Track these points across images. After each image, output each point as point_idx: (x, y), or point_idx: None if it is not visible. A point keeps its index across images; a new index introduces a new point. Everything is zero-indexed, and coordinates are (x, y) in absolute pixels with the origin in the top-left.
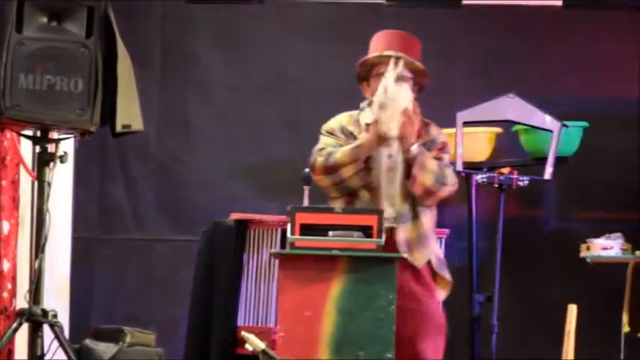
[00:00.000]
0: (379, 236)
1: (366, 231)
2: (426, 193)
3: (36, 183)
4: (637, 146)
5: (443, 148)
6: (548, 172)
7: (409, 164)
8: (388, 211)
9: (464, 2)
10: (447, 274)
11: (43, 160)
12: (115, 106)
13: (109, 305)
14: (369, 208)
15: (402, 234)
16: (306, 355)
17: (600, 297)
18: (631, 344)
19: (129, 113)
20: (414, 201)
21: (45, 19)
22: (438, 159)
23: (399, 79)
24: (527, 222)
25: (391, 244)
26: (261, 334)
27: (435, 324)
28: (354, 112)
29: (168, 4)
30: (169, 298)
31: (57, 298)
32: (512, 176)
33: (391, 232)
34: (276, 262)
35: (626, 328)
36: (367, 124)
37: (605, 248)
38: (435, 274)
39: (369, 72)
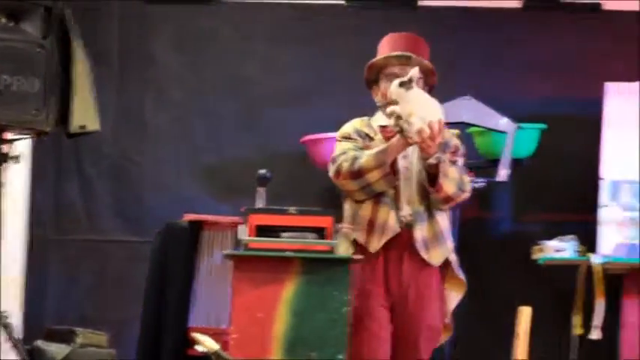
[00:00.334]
0: (333, 238)
1: (320, 233)
2: (446, 200)
3: None
4: (595, 148)
5: (456, 151)
6: (501, 175)
7: (431, 171)
8: (406, 210)
9: (420, 3)
10: (462, 275)
11: None
12: (71, 107)
13: (62, 306)
14: (323, 209)
15: (420, 233)
16: (259, 356)
17: (553, 299)
18: (583, 346)
19: (85, 114)
20: (429, 202)
21: (2, 19)
22: (453, 162)
23: (411, 81)
24: (482, 224)
25: (409, 243)
26: (214, 335)
27: (435, 325)
28: (365, 117)
29: (126, 4)
30: (122, 299)
31: (9, 299)
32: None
33: (409, 231)
34: (230, 263)
35: (578, 330)
36: (381, 127)
37: (558, 250)
38: (450, 275)
39: (378, 74)
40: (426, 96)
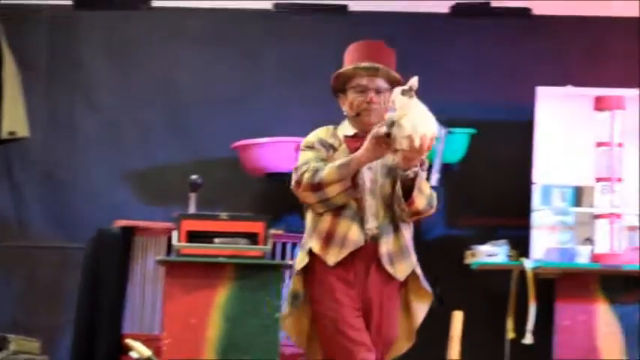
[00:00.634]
0: (265, 243)
1: (253, 238)
2: (415, 214)
3: None
4: (526, 153)
5: (422, 164)
6: (432, 179)
7: (406, 184)
8: (372, 222)
9: (351, 9)
10: (428, 287)
11: None
12: (1, 113)
13: None
14: (255, 215)
15: (385, 247)
16: None
17: (486, 303)
18: (515, 350)
19: (14, 120)
20: (394, 214)
21: None
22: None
23: (412, 89)
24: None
25: (374, 256)
26: (147, 341)
27: (394, 338)
28: (331, 127)
29: (56, 9)
30: (55, 306)
31: None
32: None
33: (374, 244)
34: (163, 269)
35: (510, 334)
36: (346, 137)
37: (490, 255)
38: (417, 287)
39: (345, 84)
40: (425, 109)
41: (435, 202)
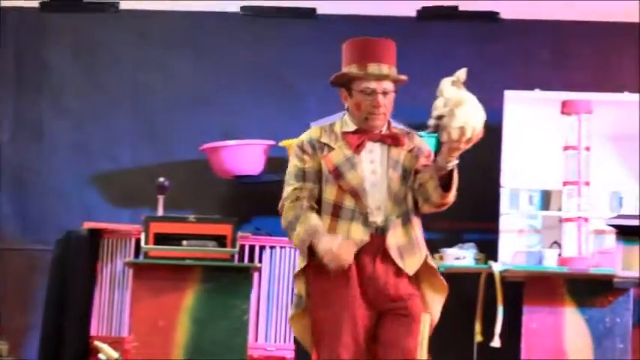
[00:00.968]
0: (233, 246)
1: (221, 241)
2: (441, 206)
3: None
4: (494, 156)
5: (429, 155)
6: None
7: (439, 175)
8: (377, 215)
9: (318, 12)
10: (442, 278)
11: None
12: None
13: None
14: (223, 217)
15: (394, 240)
16: None
17: (453, 306)
18: (483, 353)
19: None
20: (406, 207)
21: None
22: (427, 166)
23: (460, 81)
24: None
25: (381, 249)
26: (114, 343)
27: (418, 318)
28: (326, 124)
29: (23, 12)
30: (22, 308)
31: None
32: None
33: (380, 237)
34: (131, 271)
35: (478, 337)
36: (345, 133)
37: (458, 258)
38: (432, 279)
39: (350, 82)
40: (476, 102)
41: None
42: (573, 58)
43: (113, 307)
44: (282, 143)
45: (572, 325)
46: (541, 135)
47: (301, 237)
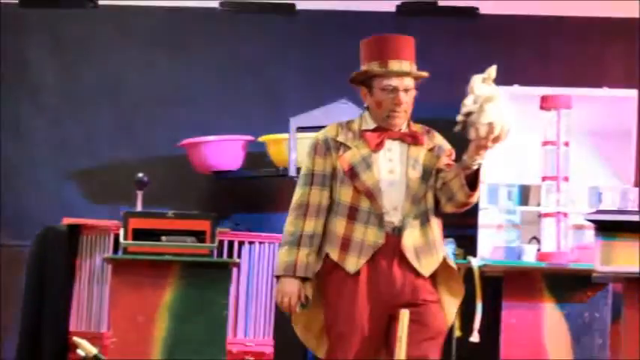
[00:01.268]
0: (212, 241)
1: (200, 236)
2: (465, 206)
3: None
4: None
5: (450, 154)
6: None
7: (465, 173)
8: (393, 215)
9: (298, 8)
10: (460, 282)
11: None
12: None
13: None
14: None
15: (410, 240)
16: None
17: None
18: (462, 348)
19: None
20: (425, 207)
21: None
22: (450, 165)
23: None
24: None
25: (397, 249)
26: (93, 339)
27: (436, 325)
28: (344, 121)
29: (1, 7)
30: (1, 304)
31: None
32: None
33: (397, 237)
34: (109, 267)
35: (457, 333)
36: (364, 131)
37: None
38: (449, 281)
39: (371, 80)
40: (506, 101)
41: None
42: (552, 53)
43: (92, 303)
44: (261, 139)
45: (551, 321)
46: (520, 130)
47: (279, 262)
